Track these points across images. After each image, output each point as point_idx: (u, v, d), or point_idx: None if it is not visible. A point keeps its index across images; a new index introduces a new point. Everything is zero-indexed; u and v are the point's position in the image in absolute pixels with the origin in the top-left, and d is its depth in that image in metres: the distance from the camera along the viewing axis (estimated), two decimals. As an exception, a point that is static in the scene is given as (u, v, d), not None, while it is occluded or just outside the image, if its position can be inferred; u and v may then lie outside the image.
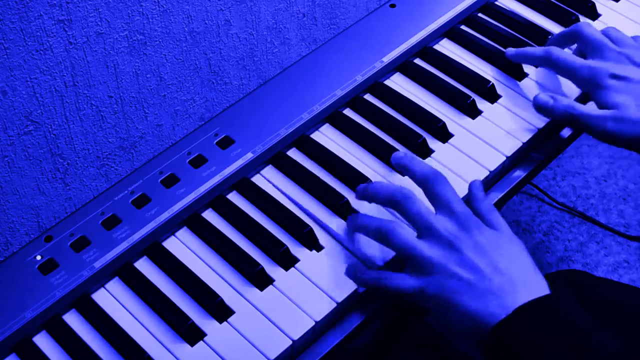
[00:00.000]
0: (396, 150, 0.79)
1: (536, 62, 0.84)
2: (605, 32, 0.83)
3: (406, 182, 0.77)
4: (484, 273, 0.65)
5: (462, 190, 0.76)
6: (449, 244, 0.67)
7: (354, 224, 0.72)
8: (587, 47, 0.82)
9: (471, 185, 0.73)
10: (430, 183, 0.71)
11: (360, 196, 0.73)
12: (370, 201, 0.73)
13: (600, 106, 0.78)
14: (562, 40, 0.85)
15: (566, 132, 0.84)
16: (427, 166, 0.72)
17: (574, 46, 0.87)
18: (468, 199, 0.73)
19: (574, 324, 0.62)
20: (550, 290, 0.65)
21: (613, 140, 0.76)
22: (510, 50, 0.86)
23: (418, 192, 0.72)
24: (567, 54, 0.82)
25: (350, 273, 0.70)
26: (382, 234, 0.69)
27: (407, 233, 0.68)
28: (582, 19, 0.93)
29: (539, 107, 0.80)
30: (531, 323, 0.62)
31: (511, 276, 0.65)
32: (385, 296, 0.70)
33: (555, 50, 0.81)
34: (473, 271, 0.65)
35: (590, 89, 0.79)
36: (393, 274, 0.68)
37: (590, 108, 0.78)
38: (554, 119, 0.81)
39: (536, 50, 0.84)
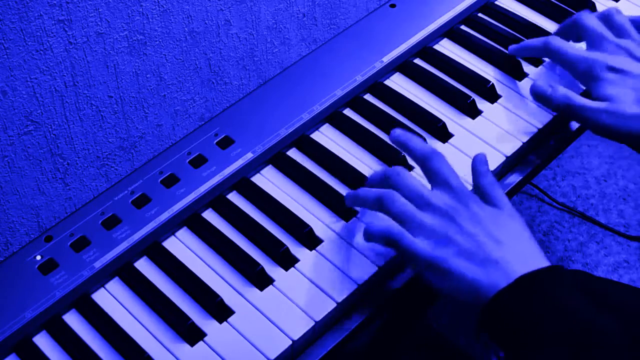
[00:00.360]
0: (397, 150, 0.79)
1: (536, 52, 0.84)
2: (607, 16, 0.81)
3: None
4: (484, 242, 0.65)
5: (462, 190, 0.76)
6: (447, 214, 0.67)
7: (355, 197, 0.72)
8: (586, 37, 0.81)
9: (475, 159, 0.73)
10: (429, 160, 0.71)
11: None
12: (368, 186, 0.73)
13: (596, 98, 0.77)
14: (564, 32, 0.85)
15: (567, 132, 0.84)
16: (425, 144, 0.73)
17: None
18: (472, 173, 0.73)
19: (574, 305, 0.62)
20: (550, 264, 0.65)
21: (607, 134, 0.76)
22: (512, 47, 0.86)
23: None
24: (565, 43, 0.81)
25: (371, 235, 0.70)
26: (381, 203, 0.69)
27: (406, 202, 0.68)
28: (582, 19, 0.92)
29: (537, 94, 0.79)
30: (532, 292, 0.62)
31: (511, 247, 0.65)
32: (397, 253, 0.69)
33: (553, 40, 0.81)
34: (473, 240, 0.65)
35: (587, 81, 0.79)
36: (407, 234, 0.67)
37: (587, 100, 0.77)
38: (551, 108, 0.80)
39: (535, 41, 0.84)
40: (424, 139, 0.80)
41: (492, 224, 0.67)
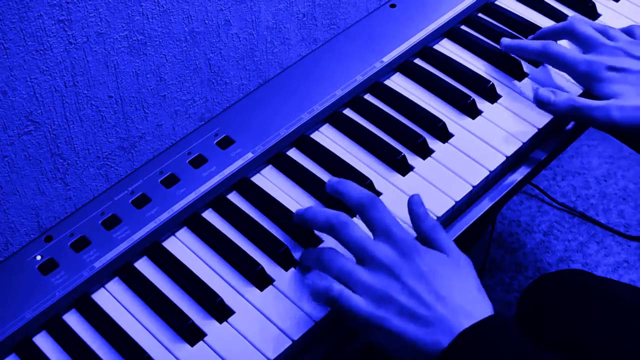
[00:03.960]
0: (396, 150, 0.79)
1: (532, 55, 0.84)
2: (598, 30, 0.83)
3: (408, 183, 0.77)
4: (425, 301, 0.63)
5: (462, 190, 0.76)
6: (389, 271, 0.65)
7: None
8: (581, 43, 0.83)
9: (411, 202, 0.70)
10: (366, 209, 0.69)
11: (298, 220, 0.72)
12: (307, 226, 0.72)
13: (600, 98, 0.78)
14: (553, 35, 0.85)
15: (567, 131, 0.84)
16: (363, 191, 0.70)
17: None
18: (410, 217, 0.70)
19: (518, 345, 0.61)
20: (493, 312, 0.64)
21: (616, 129, 0.76)
22: (506, 40, 0.86)
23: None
24: (564, 48, 0.82)
25: (315, 294, 0.68)
26: (321, 263, 0.67)
27: (345, 260, 0.67)
28: (582, 19, 0.93)
29: (541, 102, 0.80)
30: (474, 347, 0.61)
31: (454, 302, 0.63)
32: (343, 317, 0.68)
33: (552, 45, 0.82)
34: (415, 299, 0.63)
35: (589, 82, 0.80)
36: (354, 295, 0.65)
37: (593, 100, 0.78)
38: (556, 114, 0.81)
39: (533, 43, 0.84)
40: (425, 140, 0.80)
41: (435, 277, 0.65)
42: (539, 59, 0.84)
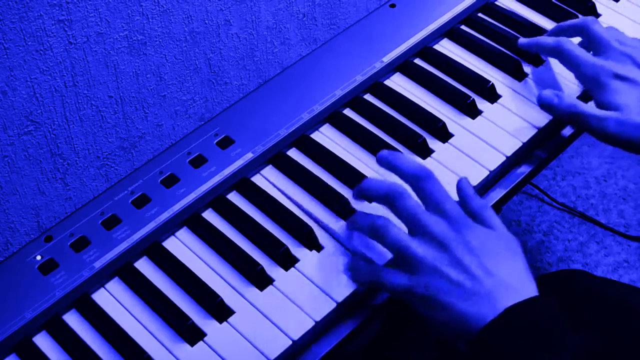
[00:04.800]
0: (397, 150, 0.79)
1: (546, 51, 0.84)
2: (611, 29, 0.83)
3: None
4: (474, 274, 0.64)
5: (462, 190, 0.76)
6: (440, 243, 0.66)
7: (351, 222, 0.72)
8: (593, 44, 0.82)
9: (459, 184, 0.72)
10: (420, 181, 0.70)
11: (357, 195, 0.73)
12: (365, 199, 0.73)
13: (601, 106, 0.78)
14: (567, 31, 0.85)
15: (567, 131, 0.84)
16: (416, 163, 0.71)
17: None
18: (459, 198, 0.72)
19: (559, 330, 0.62)
20: (538, 292, 0.65)
21: (613, 142, 0.76)
22: (522, 41, 0.86)
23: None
24: (577, 47, 0.81)
25: (347, 270, 0.70)
26: (375, 231, 0.68)
27: (399, 231, 0.68)
28: (582, 19, 0.92)
29: (543, 103, 0.80)
30: (517, 324, 0.62)
31: (501, 278, 0.64)
32: (380, 290, 0.70)
33: (566, 43, 0.82)
34: (463, 272, 0.65)
35: (592, 86, 0.79)
36: (386, 269, 0.67)
37: (594, 108, 0.78)
38: (557, 117, 0.81)
39: (548, 40, 0.84)
40: (425, 140, 0.80)
41: (485, 251, 0.66)
42: (552, 54, 0.84)
